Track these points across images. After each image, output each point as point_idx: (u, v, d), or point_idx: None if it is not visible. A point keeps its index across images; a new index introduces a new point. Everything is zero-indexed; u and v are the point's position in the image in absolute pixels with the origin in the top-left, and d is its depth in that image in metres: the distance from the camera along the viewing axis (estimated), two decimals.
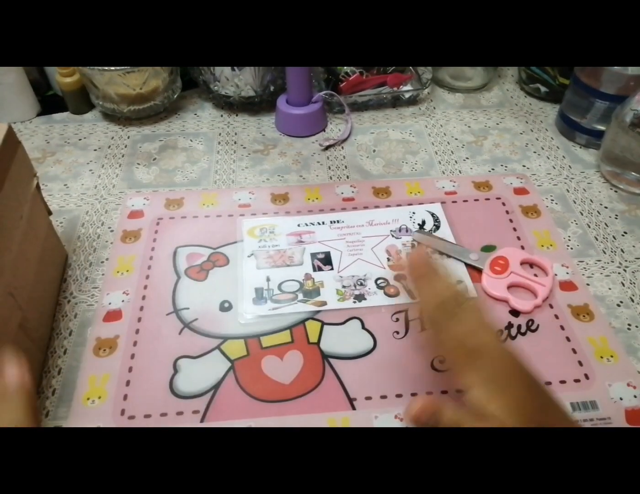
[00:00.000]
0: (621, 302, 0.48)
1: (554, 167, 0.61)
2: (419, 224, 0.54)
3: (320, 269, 0.50)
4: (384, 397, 0.41)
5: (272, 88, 0.67)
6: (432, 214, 0.55)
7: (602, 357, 0.43)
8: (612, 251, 0.52)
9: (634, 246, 0.53)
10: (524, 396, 0.28)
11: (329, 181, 0.60)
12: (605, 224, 0.55)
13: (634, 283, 0.49)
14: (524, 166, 0.62)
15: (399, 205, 0.56)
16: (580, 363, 0.43)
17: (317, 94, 0.65)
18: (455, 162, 0.62)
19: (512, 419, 0.27)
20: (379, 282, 0.49)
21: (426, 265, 0.32)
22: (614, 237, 0.53)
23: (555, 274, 0.49)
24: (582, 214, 0.56)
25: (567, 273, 0.50)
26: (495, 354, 0.30)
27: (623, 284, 0.49)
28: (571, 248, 0.52)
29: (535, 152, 0.64)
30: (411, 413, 0.29)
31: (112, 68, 0.61)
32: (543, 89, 0.70)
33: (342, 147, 0.64)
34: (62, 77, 0.66)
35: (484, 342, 0.30)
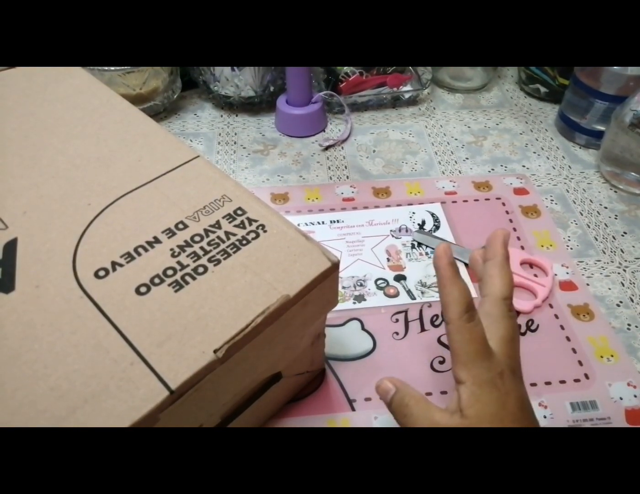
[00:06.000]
0: (621, 302, 0.48)
1: (554, 168, 0.61)
2: (419, 224, 0.54)
3: None
4: None
5: (272, 88, 0.67)
6: (432, 214, 0.55)
7: (602, 356, 0.43)
8: (611, 251, 0.52)
9: (633, 246, 0.53)
10: (500, 418, 0.28)
11: (329, 181, 0.60)
12: (605, 224, 0.55)
13: (634, 283, 0.49)
14: (523, 166, 0.62)
15: (399, 205, 0.56)
16: (580, 363, 0.43)
17: (317, 94, 0.65)
18: (455, 162, 0.62)
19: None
20: (378, 282, 0.49)
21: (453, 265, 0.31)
22: (613, 237, 0.53)
23: (555, 274, 0.49)
24: (581, 214, 0.56)
25: (567, 273, 0.50)
26: (504, 367, 0.30)
27: (623, 284, 0.49)
28: (571, 248, 0.52)
29: (535, 152, 0.64)
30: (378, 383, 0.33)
31: (112, 68, 0.61)
32: (543, 89, 0.70)
33: (342, 148, 0.64)
34: None
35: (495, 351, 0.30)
